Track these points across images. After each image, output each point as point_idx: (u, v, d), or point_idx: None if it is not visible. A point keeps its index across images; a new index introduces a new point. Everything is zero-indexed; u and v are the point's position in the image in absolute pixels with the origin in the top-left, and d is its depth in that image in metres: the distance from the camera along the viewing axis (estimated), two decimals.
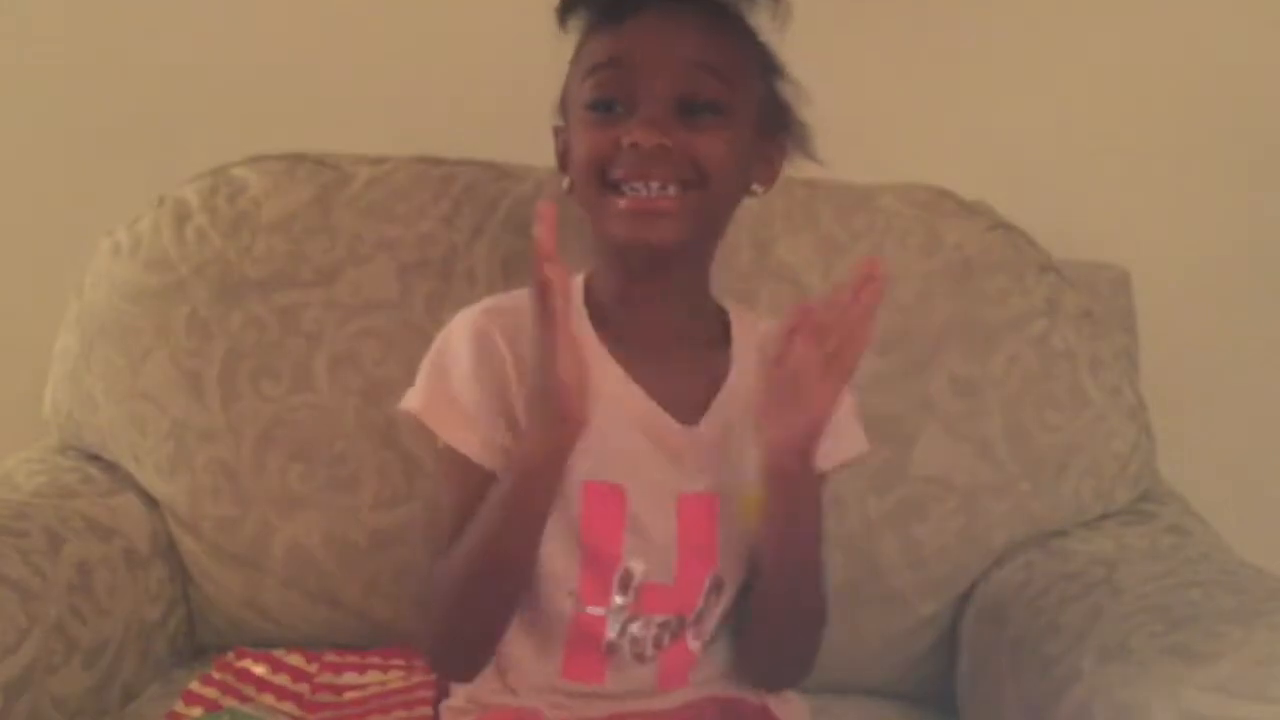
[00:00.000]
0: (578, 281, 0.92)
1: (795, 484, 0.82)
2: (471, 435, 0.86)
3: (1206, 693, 0.77)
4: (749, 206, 1.15)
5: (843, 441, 0.92)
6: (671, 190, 0.82)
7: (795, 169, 0.93)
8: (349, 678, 1.06)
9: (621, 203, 0.83)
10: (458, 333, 0.89)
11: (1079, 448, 1.12)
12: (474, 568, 0.83)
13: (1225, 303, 1.39)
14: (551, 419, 0.79)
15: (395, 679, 1.05)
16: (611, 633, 0.88)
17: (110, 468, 1.18)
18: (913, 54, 1.35)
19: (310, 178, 1.18)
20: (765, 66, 0.90)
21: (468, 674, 0.90)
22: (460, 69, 1.32)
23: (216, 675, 1.07)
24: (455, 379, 0.87)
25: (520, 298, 0.91)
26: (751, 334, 0.93)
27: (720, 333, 0.94)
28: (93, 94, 1.39)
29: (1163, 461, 1.20)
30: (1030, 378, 1.12)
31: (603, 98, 0.84)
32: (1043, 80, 1.36)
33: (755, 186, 0.91)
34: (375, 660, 1.08)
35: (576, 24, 0.88)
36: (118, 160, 1.39)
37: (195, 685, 1.05)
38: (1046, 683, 0.90)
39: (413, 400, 0.89)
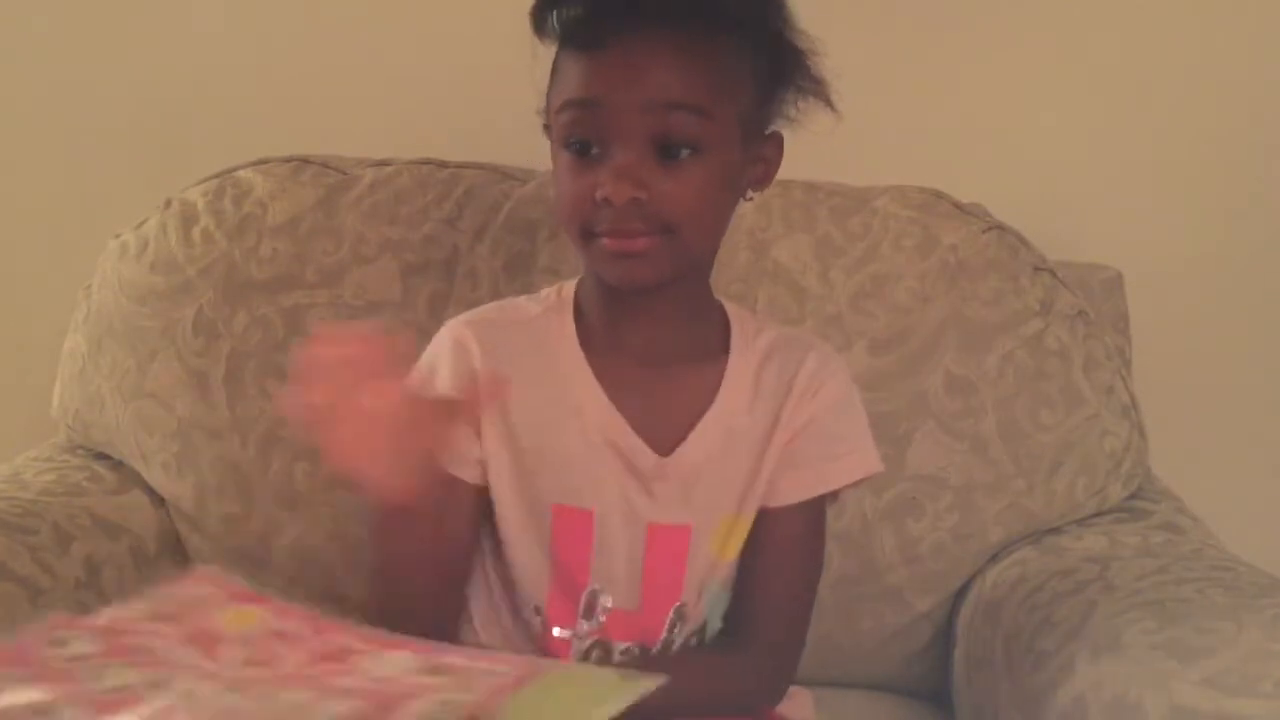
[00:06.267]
0: (568, 288, 0.92)
1: None
2: None
3: (1198, 688, 0.77)
4: (746, 207, 1.17)
5: (852, 460, 0.91)
6: (651, 236, 0.80)
7: (810, 123, 0.89)
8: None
9: (605, 243, 0.81)
10: (439, 344, 0.90)
11: (1073, 446, 1.12)
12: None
13: (1217, 303, 1.39)
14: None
15: None
16: (574, 658, 0.88)
17: (118, 466, 1.19)
18: (908, 57, 1.35)
19: (315, 180, 1.19)
20: (757, 60, 0.83)
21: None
22: (463, 72, 1.33)
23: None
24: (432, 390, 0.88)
25: (508, 309, 0.93)
26: (750, 348, 0.91)
27: (720, 342, 0.91)
28: (100, 98, 1.40)
29: (1155, 459, 1.20)
30: (1025, 377, 1.12)
31: (577, 138, 0.81)
32: (1037, 82, 1.36)
33: (750, 192, 0.87)
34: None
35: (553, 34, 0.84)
36: (125, 163, 1.40)
37: None
38: (1040, 677, 0.90)
39: None
